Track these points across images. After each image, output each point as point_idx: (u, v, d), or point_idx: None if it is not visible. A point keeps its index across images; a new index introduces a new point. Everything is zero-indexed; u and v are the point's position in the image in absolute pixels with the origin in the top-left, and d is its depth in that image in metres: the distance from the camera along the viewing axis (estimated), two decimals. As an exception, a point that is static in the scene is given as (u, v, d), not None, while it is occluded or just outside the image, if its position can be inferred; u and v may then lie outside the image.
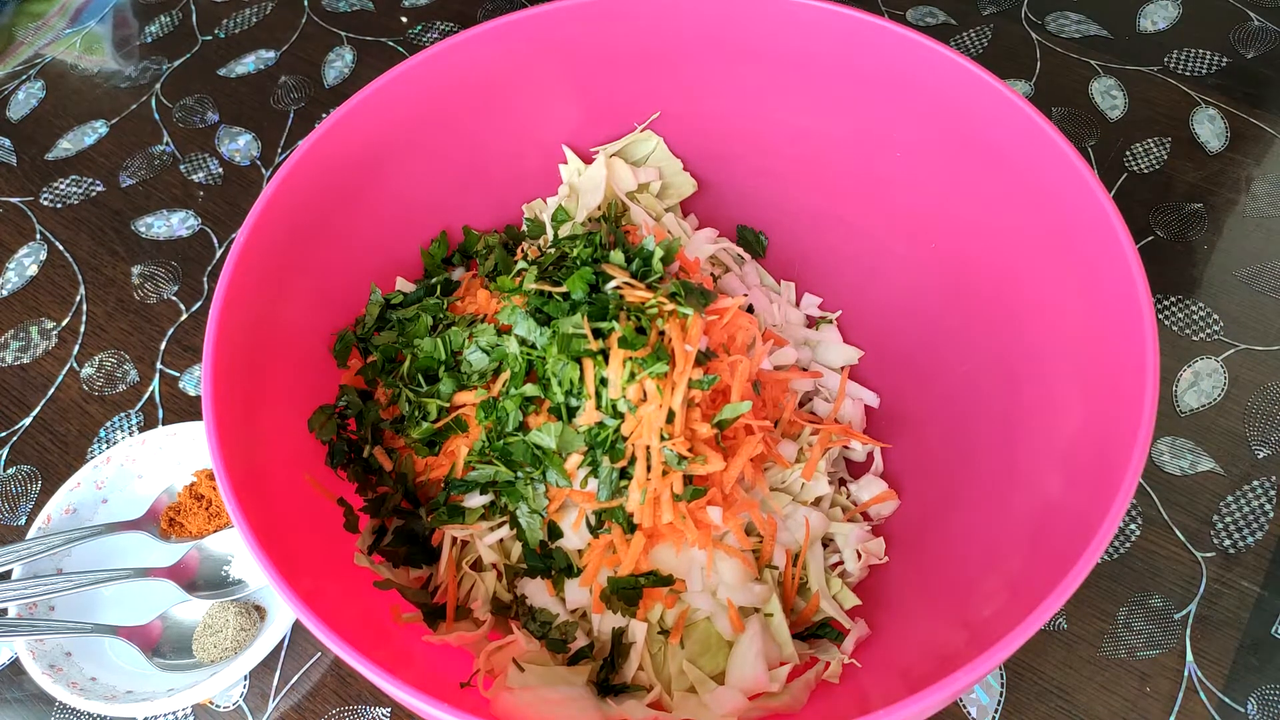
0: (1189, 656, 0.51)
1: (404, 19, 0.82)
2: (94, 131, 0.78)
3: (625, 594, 0.46)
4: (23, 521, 0.60)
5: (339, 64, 0.80)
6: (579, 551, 0.48)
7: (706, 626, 0.47)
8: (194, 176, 0.74)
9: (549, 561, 0.47)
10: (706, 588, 0.47)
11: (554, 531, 0.47)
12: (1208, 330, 0.61)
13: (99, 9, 0.86)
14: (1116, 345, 0.41)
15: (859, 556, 0.50)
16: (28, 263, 0.71)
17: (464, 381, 0.48)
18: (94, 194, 0.74)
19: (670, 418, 0.45)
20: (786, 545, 0.49)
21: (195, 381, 0.65)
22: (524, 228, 0.58)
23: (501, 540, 0.49)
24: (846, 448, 0.54)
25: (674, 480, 0.45)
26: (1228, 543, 0.54)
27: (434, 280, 0.55)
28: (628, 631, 0.46)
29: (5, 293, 0.70)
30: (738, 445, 0.47)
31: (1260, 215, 0.65)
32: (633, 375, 0.45)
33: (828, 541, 0.51)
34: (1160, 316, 0.62)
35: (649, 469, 0.45)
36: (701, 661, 0.46)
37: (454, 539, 0.48)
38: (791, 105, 0.54)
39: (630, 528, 0.46)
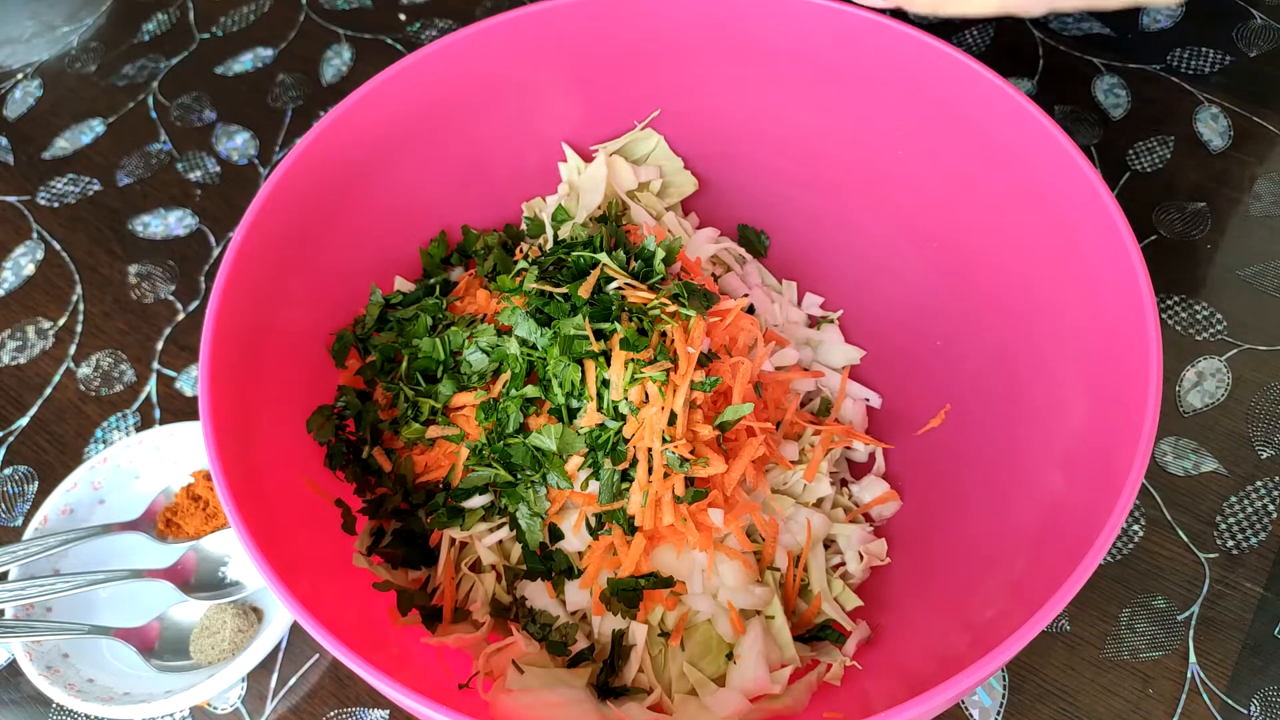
0: (1192, 658, 0.51)
1: (402, 16, 0.82)
2: (91, 130, 0.77)
3: (625, 596, 0.46)
4: (19, 522, 0.60)
5: (337, 62, 0.80)
6: (579, 553, 0.47)
7: (707, 629, 0.46)
8: (191, 175, 0.74)
9: (549, 563, 0.47)
10: (707, 590, 0.47)
11: (554, 533, 0.47)
12: (1211, 330, 0.60)
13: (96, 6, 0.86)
14: (1120, 345, 0.40)
15: (861, 558, 0.50)
16: (24, 262, 0.71)
17: (464, 382, 0.48)
18: (91, 193, 0.74)
19: (672, 420, 0.45)
20: (788, 547, 0.49)
21: (192, 381, 0.64)
22: (523, 227, 0.58)
23: (501, 541, 0.48)
24: (848, 448, 0.54)
25: (675, 482, 0.45)
26: (1231, 544, 0.54)
27: (433, 280, 0.55)
28: (628, 634, 0.46)
29: (2, 292, 0.70)
30: (739, 447, 0.47)
31: (1264, 214, 0.65)
32: (634, 377, 0.45)
33: (829, 543, 0.51)
34: (1163, 316, 0.61)
35: (650, 471, 0.45)
36: (702, 664, 0.46)
37: (452, 540, 0.48)
38: (793, 103, 0.54)
39: (631, 529, 0.46)
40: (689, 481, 0.46)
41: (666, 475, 0.45)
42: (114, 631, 0.52)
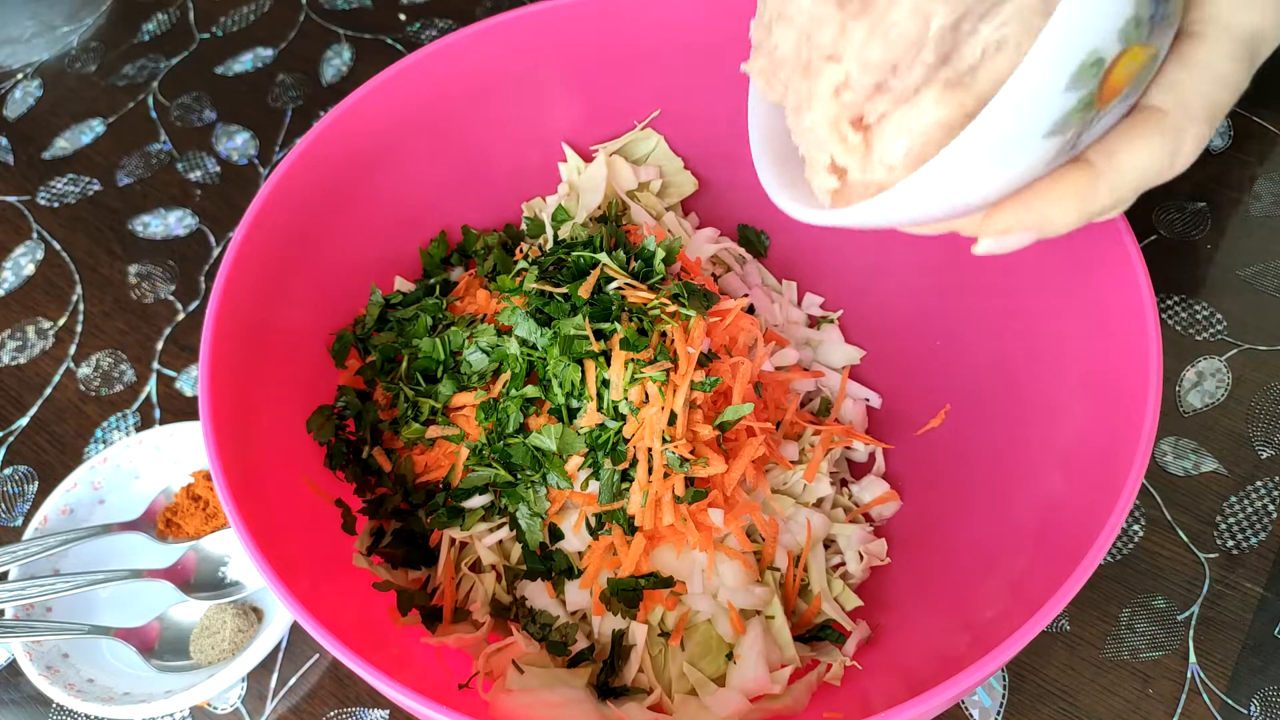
0: (1192, 658, 0.51)
1: (402, 16, 0.82)
2: (91, 130, 0.77)
3: (625, 595, 0.46)
4: (19, 522, 0.60)
5: (337, 62, 0.80)
6: (579, 553, 0.47)
7: (707, 629, 0.46)
8: (191, 175, 0.74)
9: (549, 563, 0.47)
10: (707, 590, 0.47)
11: (554, 533, 0.47)
12: (1211, 330, 0.60)
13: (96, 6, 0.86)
14: (1120, 345, 0.40)
15: (861, 558, 0.50)
16: (24, 262, 0.71)
17: (464, 382, 0.48)
18: (91, 193, 0.74)
19: (672, 420, 0.45)
20: (788, 547, 0.49)
21: (192, 381, 0.64)
22: (523, 227, 0.58)
23: (501, 541, 0.48)
24: (848, 448, 0.54)
25: (675, 482, 0.45)
26: (1231, 544, 0.54)
27: (433, 280, 0.55)
28: (628, 634, 0.46)
29: (2, 292, 0.70)
30: (739, 447, 0.47)
31: (1264, 214, 0.65)
32: (634, 377, 0.45)
33: (829, 543, 0.51)
34: (1163, 316, 0.61)
35: (650, 471, 0.45)
36: (702, 664, 0.46)
37: (452, 540, 0.48)
38: (792, 103, 0.54)
39: (631, 529, 0.46)
40: (689, 481, 0.45)
41: (666, 475, 0.45)
42: (114, 631, 0.52)
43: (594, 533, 0.47)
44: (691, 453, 0.45)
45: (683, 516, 0.45)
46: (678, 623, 0.46)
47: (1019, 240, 0.30)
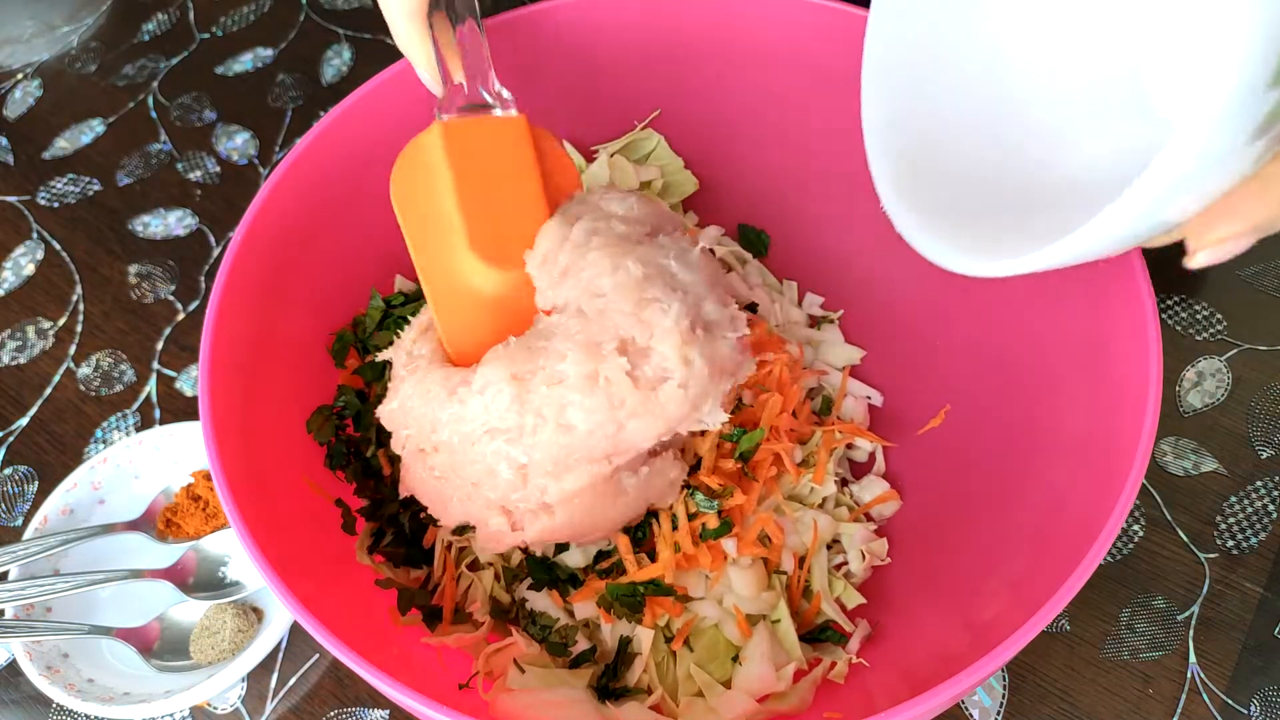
0: (1192, 658, 0.51)
1: (403, 17, 0.82)
2: (91, 130, 0.77)
3: (627, 601, 0.45)
4: (19, 522, 0.60)
5: (337, 62, 0.80)
6: (583, 568, 0.47)
7: (714, 633, 0.46)
8: (191, 175, 0.74)
9: (552, 571, 0.47)
10: (712, 596, 0.47)
11: (559, 545, 0.47)
12: (1211, 330, 0.60)
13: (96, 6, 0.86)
14: (1120, 345, 0.40)
15: (863, 557, 0.49)
16: (24, 262, 0.71)
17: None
18: (91, 193, 0.74)
19: (696, 466, 0.45)
20: (793, 548, 0.49)
21: (192, 381, 0.64)
22: (524, 227, 0.58)
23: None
24: (850, 446, 0.54)
25: (706, 520, 0.45)
26: (1231, 544, 0.54)
27: (433, 280, 0.55)
28: (634, 640, 0.46)
29: (2, 292, 0.70)
30: (755, 469, 0.47)
31: (1263, 214, 0.65)
32: None
33: (832, 543, 0.51)
34: (1163, 316, 0.61)
35: (675, 527, 0.45)
36: (709, 667, 0.45)
37: (449, 544, 0.48)
38: (794, 103, 0.54)
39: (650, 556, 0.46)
40: (718, 512, 0.46)
41: (693, 517, 0.45)
42: (114, 631, 0.52)
43: (603, 574, 0.46)
44: (719, 485, 0.45)
45: (694, 542, 0.45)
46: (682, 627, 0.46)
47: (1238, 247, 0.28)
